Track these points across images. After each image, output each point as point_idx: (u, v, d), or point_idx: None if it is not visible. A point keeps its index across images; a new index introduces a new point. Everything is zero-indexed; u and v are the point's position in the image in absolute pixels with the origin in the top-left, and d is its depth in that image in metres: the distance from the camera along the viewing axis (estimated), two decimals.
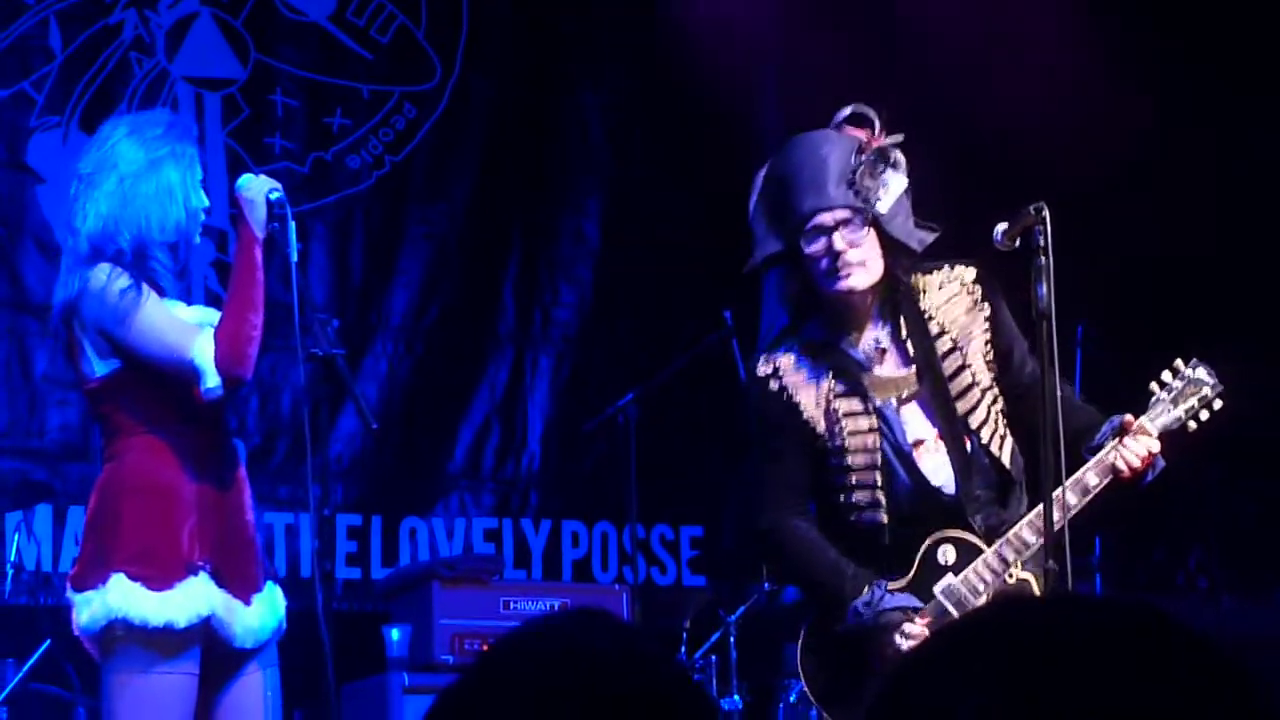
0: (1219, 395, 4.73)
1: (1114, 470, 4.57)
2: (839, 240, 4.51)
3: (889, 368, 4.64)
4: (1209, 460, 4.86)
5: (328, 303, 7.86)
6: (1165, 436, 4.65)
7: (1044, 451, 4.39)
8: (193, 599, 4.46)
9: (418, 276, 8.29)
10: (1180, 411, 4.69)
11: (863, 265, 4.53)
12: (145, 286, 4.49)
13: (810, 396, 4.59)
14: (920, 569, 4.55)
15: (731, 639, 7.11)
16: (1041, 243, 4.45)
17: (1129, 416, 4.62)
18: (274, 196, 4.54)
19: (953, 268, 4.72)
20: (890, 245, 4.57)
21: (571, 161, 8.61)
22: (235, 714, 4.62)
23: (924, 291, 4.69)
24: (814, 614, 4.63)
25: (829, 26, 8.49)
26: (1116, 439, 4.60)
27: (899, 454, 4.58)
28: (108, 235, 4.50)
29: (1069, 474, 4.49)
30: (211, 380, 4.47)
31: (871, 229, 4.55)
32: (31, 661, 6.29)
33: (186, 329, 4.51)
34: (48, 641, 6.31)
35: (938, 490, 4.57)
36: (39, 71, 7.78)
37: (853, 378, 4.60)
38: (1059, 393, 4.48)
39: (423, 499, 8.21)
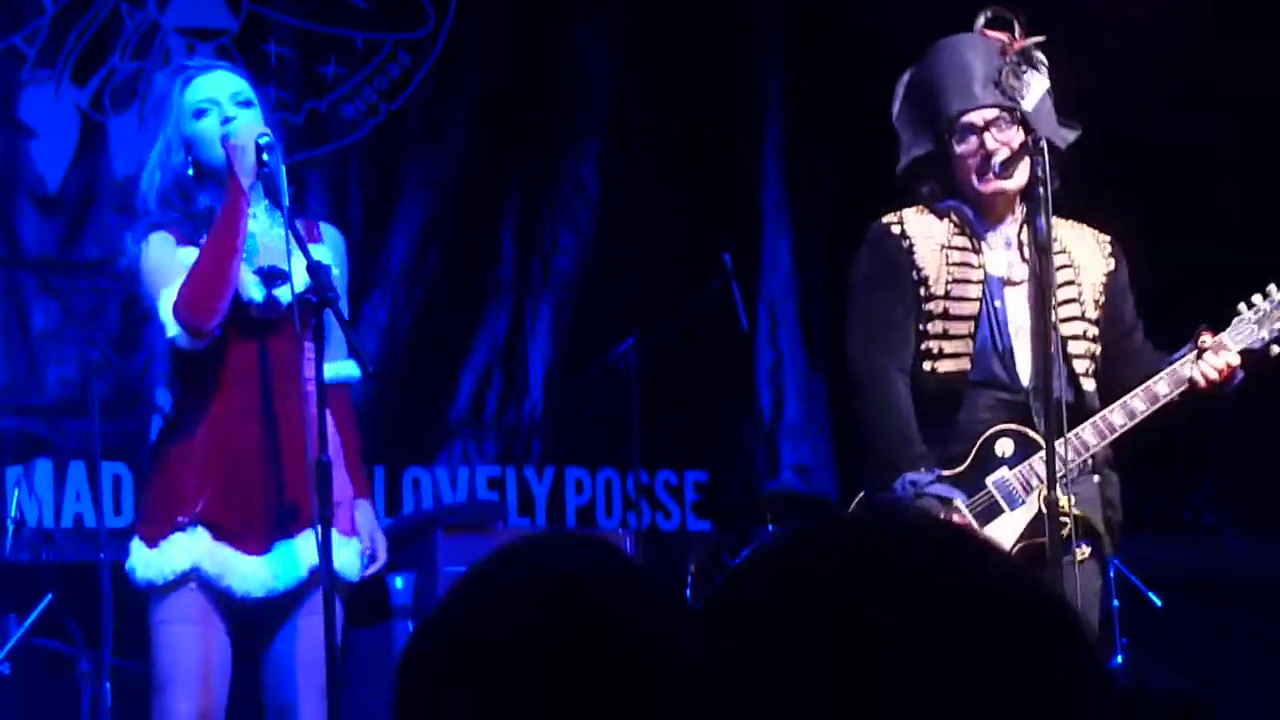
0: None
1: (1188, 382, 4.66)
2: (990, 139, 4.66)
3: (1007, 254, 4.75)
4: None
5: None
6: (1245, 355, 4.75)
7: (1044, 374, 4.45)
8: (173, 554, 4.48)
9: (416, 225, 8.24)
10: (1265, 333, 4.76)
11: (1011, 165, 4.67)
12: (158, 233, 4.49)
13: (928, 245, 4.71)
14: (977, 458, 4.63)
15: None
16: (1040, 174, 4.49)
17: (1206, 333, 4.69)
18: (263, 141, 4.49)
19: (1090, 226, 4.89)
20: (1035, 146, 4.67)
21: (569, 105, 8.55)
22: (272, 665, 4.62)
23: (1056, 226, 4.79)
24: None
25: None
26: (1193, 352, 4.66)
27: (995, 317, 4.69)
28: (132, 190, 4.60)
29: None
30: (171, 330, 4.43)
31: (1019, 128, 4.66)
32: (33, 617, 6.27)
33: (166, 275, 4.47)
34: (49, 596, 6.30)
35: (1017, 367, 4.67)
36: (30, 25, 7.71)
37: (973, 236, 4.72)
38: (1135, 343, 4.78)
39: (425, 448, 8.17)
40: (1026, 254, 4.73)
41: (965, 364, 4.64)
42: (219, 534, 4.50)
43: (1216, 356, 4.68)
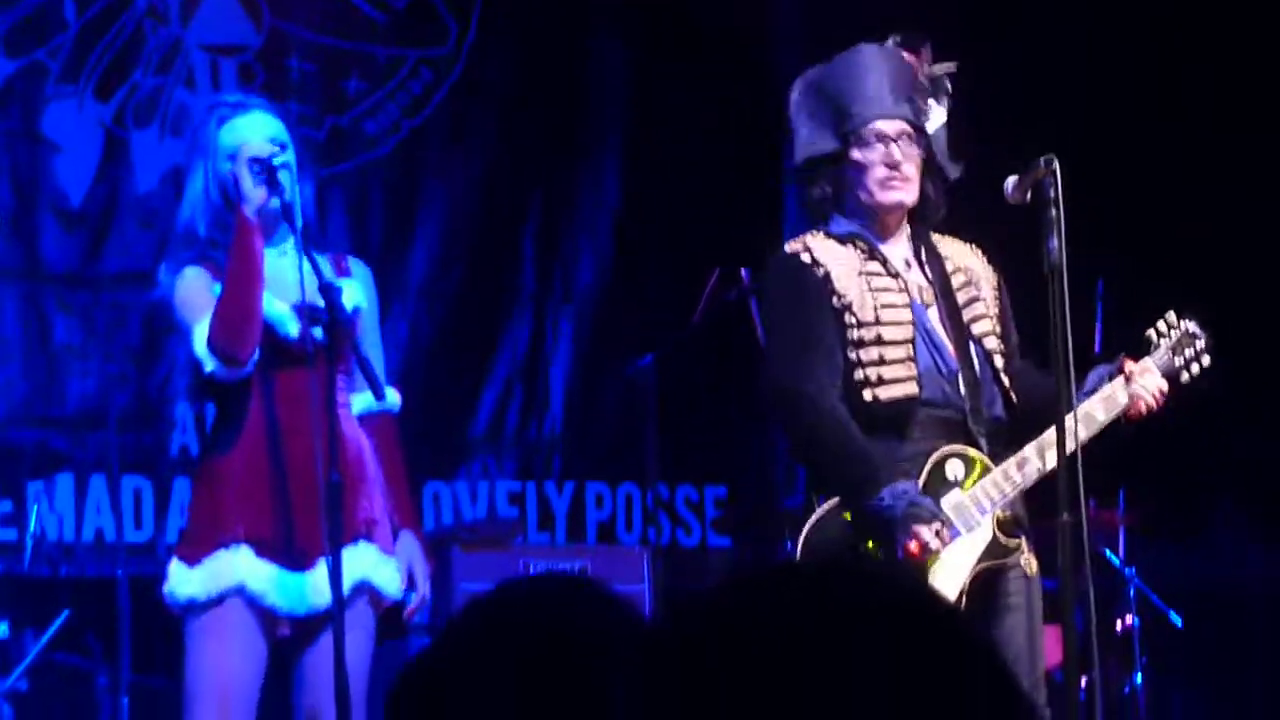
0: (1208, 351, 4.78)
1: (1123, 406, 4.63)
2: (897, 151, 4.62)
3: (911, 274, 4.71)
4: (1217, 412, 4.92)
5: None
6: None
7: (1060, 407, 4.40)
8: (218, 571, 4.51)
9: (437, 240, 8.26)
10: (1179, 359, 4.75)
11: (912, 181, 4.65)
12: (192, 267, 4.54)
13: (844, 269, 4.62)
14: (929, 482, 4.55)
15: None
16: (1052, 195, 4.47)
17: (1129, 359, 4.68)
18: (277, 161, 4.53)
19: (965, 241, 4.84)
20: (929, 169, 4.68)
21: (591, 119, 8.56)
22: (306, 674, 4.65)
23: (939, 242, 4.79)
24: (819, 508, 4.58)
25: None
26: (1122, 377, 4.65)
27: (931, 339, 4.63)
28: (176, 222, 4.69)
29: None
30: (209, 365, 4.49)
31: (921, 149, 4.65)
32: (51, 632, 6.29)
33: (198, 309, 4.53)
34: (67, 612, 6.31)
35: (958, 382, 4.61)
36: (54, 41, 7.75)
37: (884, 261, 4.67)
38: (1018, 362, 4.72)
39: (445, 463, 8.18)
40: (928, 272, 4.70)
41: (913, 388, 4.54)
42: (262, 550, 4.53)
43: (1147, 380, 4.66)
